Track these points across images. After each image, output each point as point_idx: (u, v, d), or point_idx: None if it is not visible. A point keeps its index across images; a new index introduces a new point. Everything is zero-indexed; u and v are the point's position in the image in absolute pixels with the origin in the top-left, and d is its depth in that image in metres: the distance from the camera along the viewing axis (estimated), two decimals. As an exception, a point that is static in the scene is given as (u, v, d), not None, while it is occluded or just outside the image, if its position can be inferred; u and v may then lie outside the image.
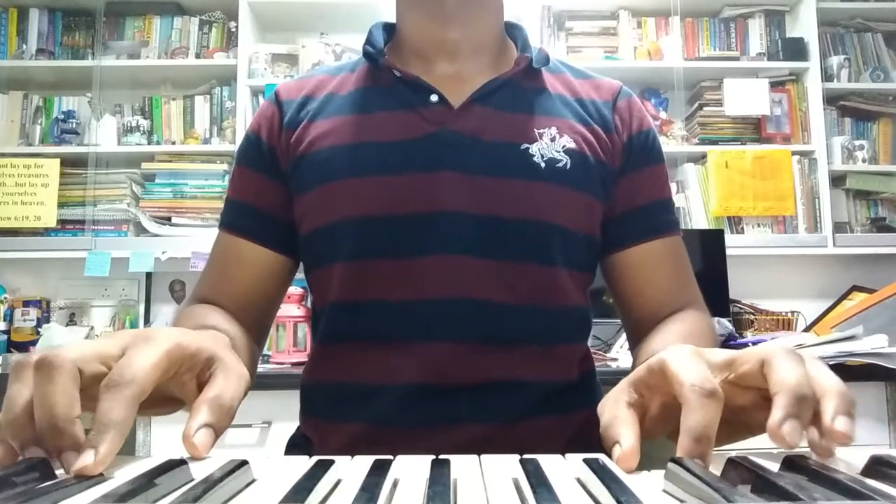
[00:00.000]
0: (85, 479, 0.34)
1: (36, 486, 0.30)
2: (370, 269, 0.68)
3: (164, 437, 1.62)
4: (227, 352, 0.48)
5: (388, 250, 0.68)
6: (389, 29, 0.79)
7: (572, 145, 0.71)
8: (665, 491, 0.33)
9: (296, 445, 0.76)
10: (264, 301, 0.76)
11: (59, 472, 0.36)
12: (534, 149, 0.70)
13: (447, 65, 0.73)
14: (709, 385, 0.39)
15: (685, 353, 0.42)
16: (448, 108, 0.70)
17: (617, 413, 0.44)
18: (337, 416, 0.70)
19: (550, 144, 0.70)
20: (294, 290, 1.91)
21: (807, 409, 0.38)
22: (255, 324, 0.75)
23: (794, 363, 0.39)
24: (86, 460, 0.35)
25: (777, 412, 0.37)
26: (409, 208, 0.67)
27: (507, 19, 0.79)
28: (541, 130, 0.71)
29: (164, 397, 0.47)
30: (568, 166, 0.70)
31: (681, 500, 0.31)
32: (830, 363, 1.59)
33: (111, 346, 0.42)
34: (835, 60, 2.36)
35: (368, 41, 0.75)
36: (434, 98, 0.70)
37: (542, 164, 0.69)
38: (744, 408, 0.43)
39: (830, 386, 0.39)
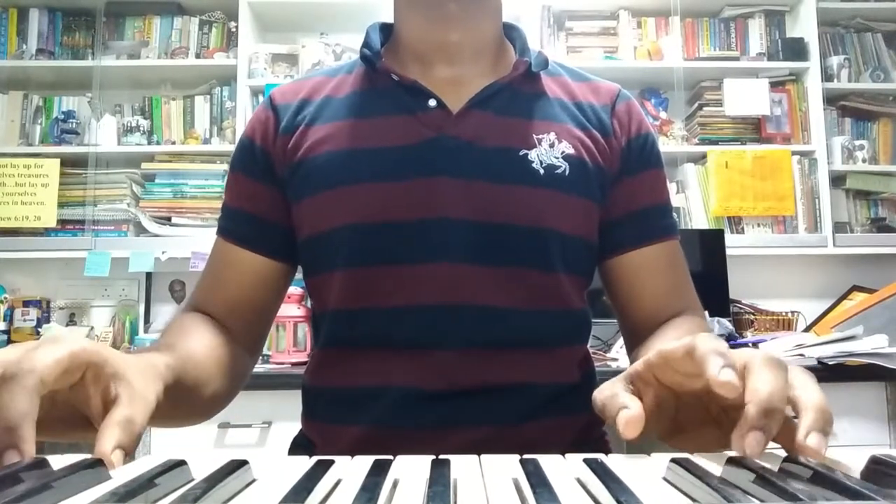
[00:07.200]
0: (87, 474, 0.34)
1: (36, 484, 0.30)
2: (369, 277, 0.68)
3: (164, 437, 1.62)
4: (138, 375, 0.46)
5: (387, 257, 0.67)
6: (387, 30, 0.78)
7: (571, 151, 0.70)
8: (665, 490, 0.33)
9: (299, 446, 0.76)
10: (259, 307, 0.76)
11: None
12: (532, 155, 0.69)
13: (446, 68, 0.73)
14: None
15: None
16: (446, 112, 0.70)
17: (617, 392, 0.46)
18: (340, 419, 0.70)
19: (549, 150, 0.70)
20: (294, 290, 1.91)
21: (775, 422, 0.38)
22: (249, 330, 0.75)
23: (772, 372, 0.40)
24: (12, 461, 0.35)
25: (743, 424, 0.38)
26: (407, 215, 0.67)
27: (505, 20, 0.78)
28: (539, 136, 0.70)
29: (71, 413, 0.45)
30: (567, 172, 0.69)
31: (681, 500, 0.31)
32: (830, 363, 1.60)
33: (16, 350, 0.41)
34: (835, 60, 2.36)
35: (365, 43, 0.74)
36: (432, 103, 0.70)
37: (541, 171, 0.69)
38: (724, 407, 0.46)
39: (810, 401, 0.39)
